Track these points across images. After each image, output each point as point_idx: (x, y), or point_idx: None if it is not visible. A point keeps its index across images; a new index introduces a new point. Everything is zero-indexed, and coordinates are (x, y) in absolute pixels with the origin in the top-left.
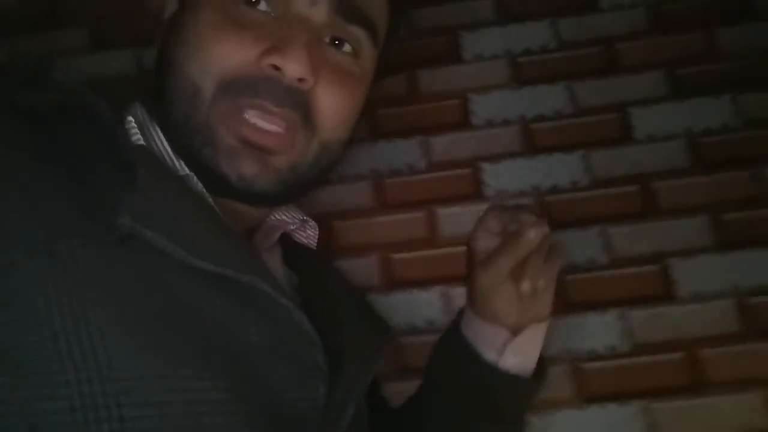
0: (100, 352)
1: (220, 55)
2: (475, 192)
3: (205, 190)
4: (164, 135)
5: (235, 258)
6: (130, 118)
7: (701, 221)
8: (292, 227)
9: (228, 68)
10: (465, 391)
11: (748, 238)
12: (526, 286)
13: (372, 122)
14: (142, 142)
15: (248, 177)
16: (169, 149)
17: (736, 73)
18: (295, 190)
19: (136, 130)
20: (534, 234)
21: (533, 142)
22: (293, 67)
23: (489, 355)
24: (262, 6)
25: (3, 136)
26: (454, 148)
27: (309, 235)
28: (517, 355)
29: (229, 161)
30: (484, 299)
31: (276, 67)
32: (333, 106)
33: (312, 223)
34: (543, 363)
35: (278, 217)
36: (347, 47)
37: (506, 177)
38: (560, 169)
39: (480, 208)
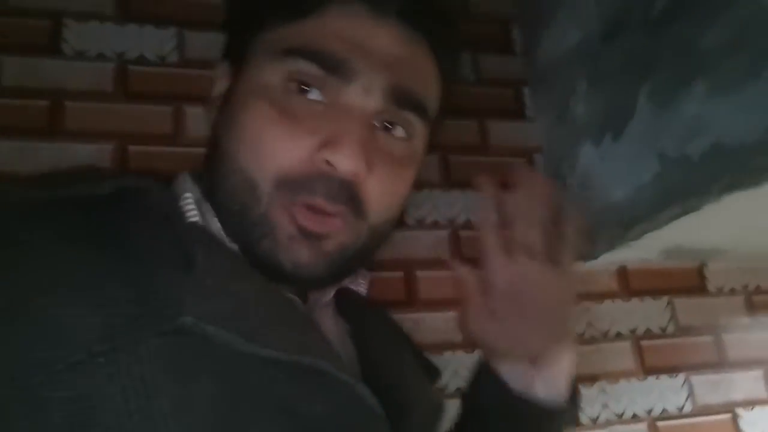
0: None
1: (275, 152)
2: None
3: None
4: (218, 218)
5: (297, 341)
6: (188, 195)
7: None
8: (346, 282)
9: (284, 164)
10: (498, 424)
11: None
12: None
13: None
14: (199, 219)
15: (303, 264)
16: (221, 231)
17: None
18: (343, 271)
19: (193, 206)
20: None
21: None
22: (347, 163)
23: (518, 388)
24: (315, 95)
25: (63, 230)
26: None
27: (359, 283)
28: (545, 383)
29: (287, 250)
30: (486, 343)
31: (330, 163)
32: (384, 194)
33: (363, 271)
34: (575, 387)
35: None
36: (399, 131)
37: None
38: None
39: None
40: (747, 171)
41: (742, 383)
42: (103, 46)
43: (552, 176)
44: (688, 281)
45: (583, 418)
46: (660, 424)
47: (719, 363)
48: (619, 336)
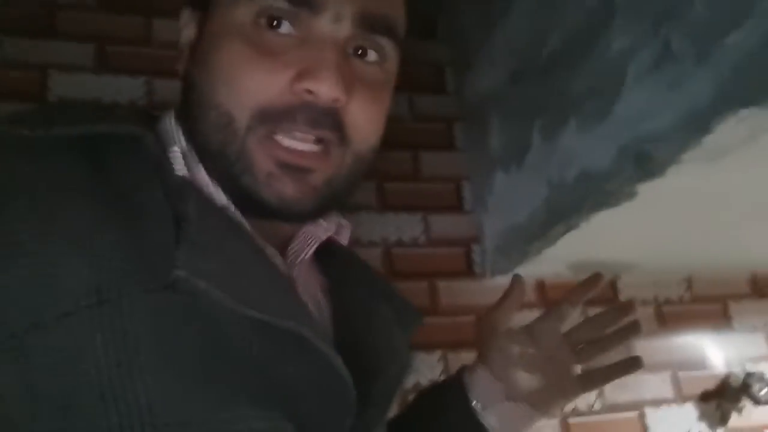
0: (143, 402)
1: (253, 86)
2: None
3: (244, 220)
4: (203, 164)
5: (281, 304)
6: (176, 149)
7: None
8: (328, 233)
9: (262, 98)
10: (441, 426)
11: None
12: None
13: None
14: (186, 172)
15: (288, 199)
16: (207, 178)
17: None
18: (331, 203)
19: (181, 161)
20: (566, 307)
21: None
22: (327, 90)
23: (478, 404)
24: (285, 29)
25: (58, 175)
26: None
27: (342, 235)
28: (504, 420)
29: (269, 186)
30: (506, 374)
31: (310, 91)
32: (365, 119)
33: (344, 222)
34: None
35: (309, 229)
36: (372, 55)
37: None
38: None
39: None
40: (604, 193)
41: (650, 384)
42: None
43: (476, 200)
44: (601, 293)
45: None
46: (571, 420)
47: None
48: None
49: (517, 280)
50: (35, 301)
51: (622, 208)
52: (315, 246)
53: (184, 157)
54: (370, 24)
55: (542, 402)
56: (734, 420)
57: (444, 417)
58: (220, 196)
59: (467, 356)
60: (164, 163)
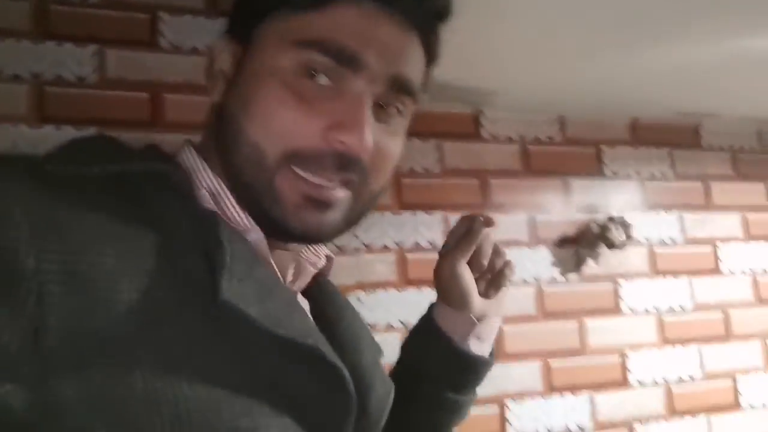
0: (182, 410)
1: (288, 128)
2: None
3: (268, 251)
4: (231, 194)
5: (300, 325)
6: (201, 184)
7: None
8: (320, 266)
9: (295, 140)
10: (435, 367)
11: None
12: (482, 263)
13: None
14: (213, 205)
15: (312, 228)
16: (236, 207)
17: None
18: (345, 230)
19: (207, 196)
20: (478, 225)
21: None
22: (359, 144)
23: (456, 338)
24: (323, 80)
25: (102, 209)
26: None
27: (327, 268)
28: (479, 340)
29: (296, 216)
30: (449, 286)
31: (342, 143)
32: (385, 167)
33: (331, 256)
34: (493, 350)
35: (310, 258)
36: (394, 111)
37: None
38: None
39: None
40: None
41: (506, 226)
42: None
43: None
44: (462, 127)
45: None
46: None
47: (483, 204)
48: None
49: (476, 220)
50: (95, 322)
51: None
52: (312, 275)
53: (210, 190)
54: (399, 86)
55: (492, 312)
56: (590, 267)
57: (435, 362)
58: (243, 220)
59: None
60: (192, 197)
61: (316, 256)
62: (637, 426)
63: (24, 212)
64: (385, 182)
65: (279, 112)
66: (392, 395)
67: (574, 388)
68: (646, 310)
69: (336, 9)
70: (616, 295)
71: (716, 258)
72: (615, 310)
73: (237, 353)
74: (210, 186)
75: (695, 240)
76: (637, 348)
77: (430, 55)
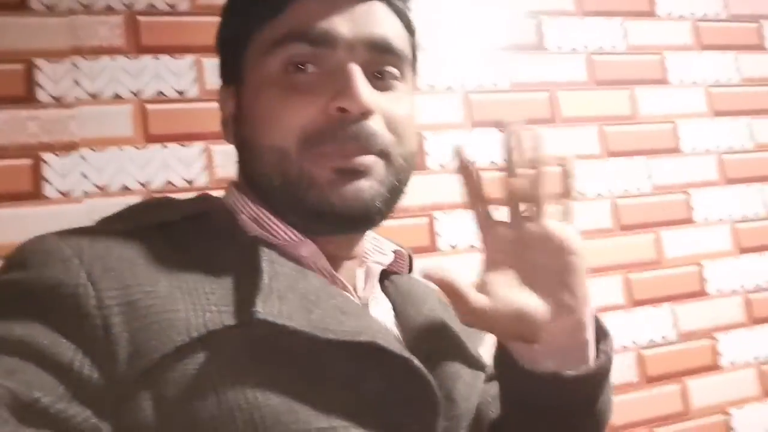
0: (257, 416)
1: (293, 117)
2: None
3: (325, 261)
4: (270, 211)
5: (354, 324)
6: (244, 214)
7: None
8: (387, 264)
9: (305, 124)
10: (524, 404)
11: None
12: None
13: None
14: (258, 232)
15: (351, 198)
16: (280, 225)
17: None
18: (386, 208)
19: (251, 223)
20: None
21: None
22: (355, 104)
23: (525, 363)
24: (310, 68)
25: (159, 249)
26: None
27: (400, 264)
28: (551, 355)
29: (333, 191)
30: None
31: (342, 109)
32: (402, 129)
33: (401, 251)
34: (602, 353)
35: (376, 257)
36: (388, 75)
37: None
38: None
39: None
40: None
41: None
42: None
43: None
44: None
45: None
46: None
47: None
48: None
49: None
50: (157, 340)
51: None
52: (378, 276)
53: (251, 217)
54: (380, 47)
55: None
56: (662, 178)
57: (512, 390)
58: (291, 236)
59: None
60: (236, 228)
61: (382, 254)
62: (718, 335)
63: (80, 262)
64: (411, 143)
65: (282, 109)
66: (482, 377)
67: (654, 301)
68: (720, 219)
69: (298, 2)
70: (688, 205)
71: None
72: (688, 220)
73: (295, 363)
74: (251, 213)
75: (765, 146)
76: (713, 257)
77: (404, 20)
